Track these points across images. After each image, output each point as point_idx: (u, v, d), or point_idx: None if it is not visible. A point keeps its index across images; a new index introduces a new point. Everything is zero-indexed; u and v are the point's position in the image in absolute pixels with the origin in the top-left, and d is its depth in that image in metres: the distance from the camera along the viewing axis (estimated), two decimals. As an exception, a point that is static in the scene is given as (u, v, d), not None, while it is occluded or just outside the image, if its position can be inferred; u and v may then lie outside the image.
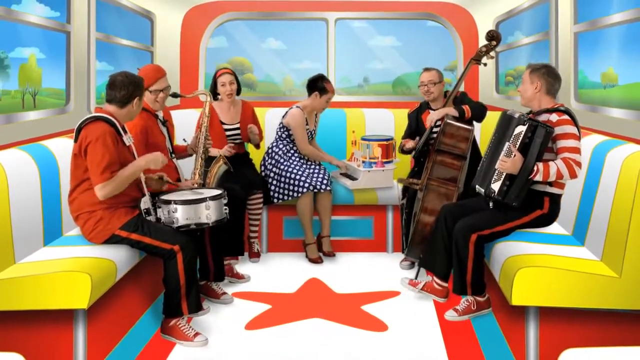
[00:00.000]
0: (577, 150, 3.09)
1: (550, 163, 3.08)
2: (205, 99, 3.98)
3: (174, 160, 3.76)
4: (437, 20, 5.75)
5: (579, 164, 3.07)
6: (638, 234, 2.64)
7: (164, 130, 3.70)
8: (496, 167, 3.18)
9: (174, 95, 3.88)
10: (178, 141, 4.21)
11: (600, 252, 2.93)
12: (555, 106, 3.22)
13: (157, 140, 3.59)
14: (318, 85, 4.52)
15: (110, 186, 3.00)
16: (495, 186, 3.19)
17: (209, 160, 3.98)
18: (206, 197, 3.23)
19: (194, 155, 3.90)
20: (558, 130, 3.12)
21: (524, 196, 3.13)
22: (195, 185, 3.63)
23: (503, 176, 3.15)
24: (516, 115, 3.17)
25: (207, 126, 3.90)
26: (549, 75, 3.24)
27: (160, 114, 3.70)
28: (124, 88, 3.12)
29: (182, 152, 3.97)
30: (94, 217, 3.07)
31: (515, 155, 3.09)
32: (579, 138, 3.13)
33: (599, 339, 2.76)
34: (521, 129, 3.10)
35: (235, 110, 4.51)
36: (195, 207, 3.21)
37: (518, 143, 3.10)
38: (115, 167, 3.02)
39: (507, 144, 3.15)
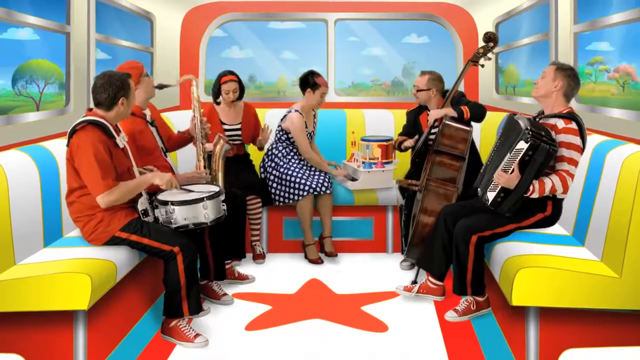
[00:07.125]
0: (574, 163, 3.06)
1: (546, 180, 3.04)
2: (192, 82, 3.89)
3: (168, 159, 3.73)
4: (436, 20, 5.75)
5: (572, 176, 3.05)
6: (638, 234, 2.64)
7: (154, 130, 3.68)
8: (493, 177, 3.15)
9: (159, 87, 3.80)
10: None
11: (600, 252, 2.93)
12: (566, 111, 3.16)
13: (147, 143, 3.55)
14: (309, 81, 4.49)
15: (113, 195, 2.97)
16: (490, 195, 3.16)
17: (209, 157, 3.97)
18: (203, 197, 3.22)
19: (196, 148, 3.89)
20: (562, 137, 3.07)
21: (517, 207, 3.10)
22: (204, 174, 3.66)
23: (499, 188, 3.11)
24: (522, 124, 3.03)
25: (200, 110, 3.87)
26: (572, 78, 3.17)
27: (148, 116, 3.68)
28: (105, 91, 3.05)
29: (184, 138, 3.98)
30: (94, 220, 3.07)
31: (513, 171, 3.01)
32: (581, 150, 3.07)
33: (599, 339, 2.76)
34: (523, 145, 2.97)
35: (236, 111, 4.51)
36: (193, 207, 3.19)
37: (518, 159, 3.00)
38: (112, 173, 2.99)
39: (508, 155, 3.06)
